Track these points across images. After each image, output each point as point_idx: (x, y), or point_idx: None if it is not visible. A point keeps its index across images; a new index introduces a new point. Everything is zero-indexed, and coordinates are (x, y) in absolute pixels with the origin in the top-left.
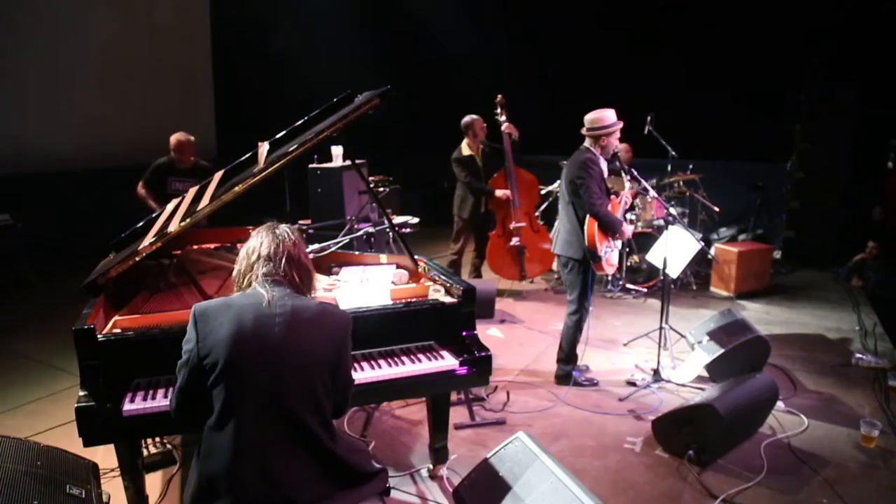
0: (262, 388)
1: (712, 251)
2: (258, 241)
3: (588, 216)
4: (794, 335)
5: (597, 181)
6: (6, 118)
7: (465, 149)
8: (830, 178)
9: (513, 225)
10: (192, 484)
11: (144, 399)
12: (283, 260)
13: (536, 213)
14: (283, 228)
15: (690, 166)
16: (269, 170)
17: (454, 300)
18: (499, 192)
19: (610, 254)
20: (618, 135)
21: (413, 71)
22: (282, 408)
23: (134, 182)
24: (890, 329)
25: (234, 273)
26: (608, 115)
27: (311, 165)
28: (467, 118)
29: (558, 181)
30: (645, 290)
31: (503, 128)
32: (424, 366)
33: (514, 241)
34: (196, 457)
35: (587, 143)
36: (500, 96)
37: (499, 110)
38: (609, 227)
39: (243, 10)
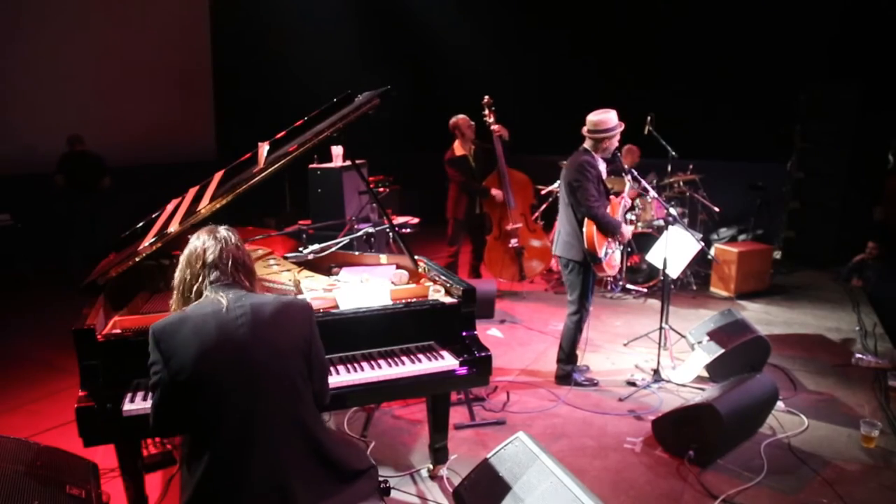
0: (241, 391)
1: (712, 251)
2: (201, 248)
3: (586, 218)
4: (794, 335)
5: (594, 184)
6: (7, 119)
7: (458, 149)
8: (830, 178)
9: (509, 226)
10: (188, 489)
11: (144, 399)
12: (230, 265)
13: (536, 214)
14: (224, 231)
15: (690, 166)
16: (269, 170)
17: (454, 300)
18: (494, 192)
19: (611, 255)
20: (619, 137)
21: (413, 71)
22: (265, 403)
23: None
24: (890, 329)
25: (177, 280)
26: (611, 118)
27: (311, 165)
28: (452, 119)
29: (558, 181)
30: (645, 290)
31: (493, 129)
32: (424, 366)
33: (513, 242)
34: (183, 466)
35: (587, 144)
36: (486, 97)
37: (486, 112)
38: (607, 229)
39: (243, 11)
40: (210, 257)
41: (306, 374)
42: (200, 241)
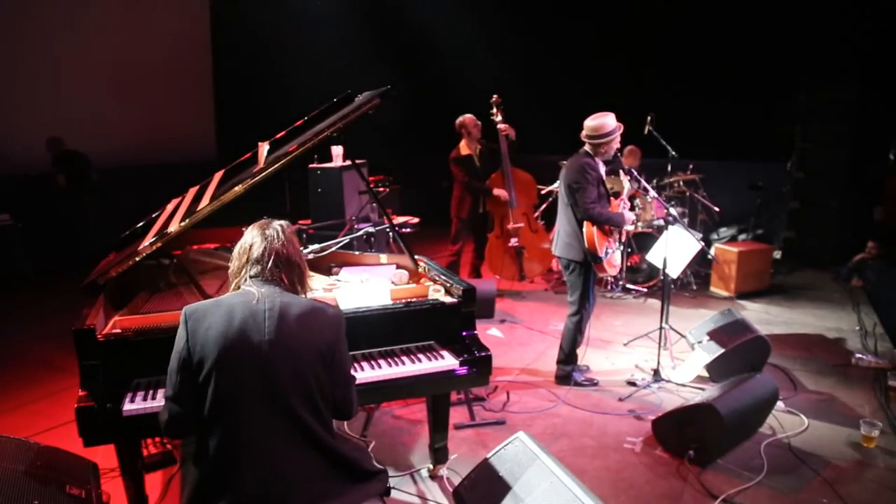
0: (254, 385)
1: (712, 251)
2: (249, 242)
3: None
4: (794, 335)
5: (594, 185)
6: (8, 119)
7: (463, 149)
8: (830, 178)
9: (511, 226)
10: (189, 487)
11: (144, 399)
12: (271, 262)
13: (536, 214)
14: (274, 228)
15: (690, 166)
16: (269, 170)
17: (454, 300)
18: (496, 192)
19: (612, 254)
20: (618, 139)
21: (413, 70)
22: (276, 403)
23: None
24: (890, 329)
25: (230, 271)
26: (608, 122)
27: (311, 165)
28: (459, 118)
29: (558, 181)
30: (645, 290)
31: (500, 128)
32: (424, 366)
33: (513, 241)
34: (187, 459)
35: (587, 147)
36: (495, 96)
37: (494, 110)
38: (610, 223)
39: (243, 11)
40: (254, 253)
41: (324, 380)
42: (250, 237)
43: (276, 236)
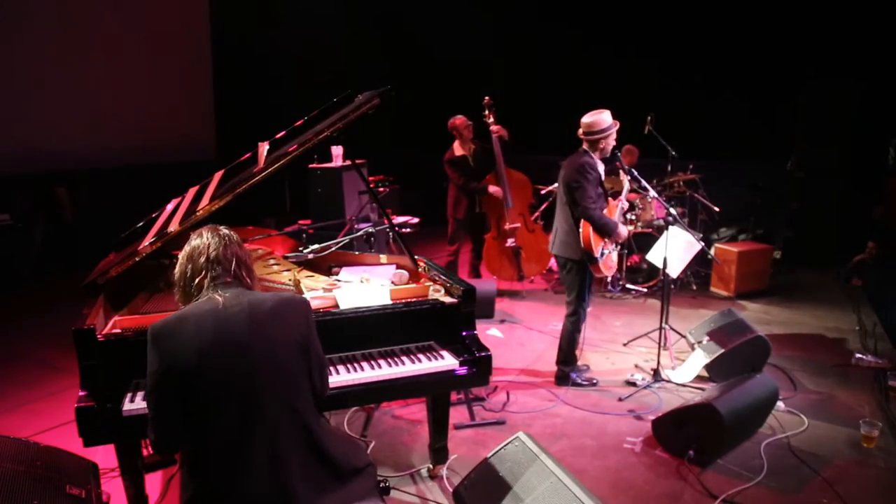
0: (240, 388)
1: (712, 251)
2: (204, 244)
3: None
4: (794, 335)
5: (593, 185)
6: (8, 119)
7: (457, 149)
8: (830, 178)
9: (507, 226)
10: (188, 493)
11: (144, 399)
12: (234, 262)
13: (536, 214)
14: (225, 230)
15: (690, 166)
16: (269, 170)
17: (454, 300)
18: (492, 189)
19: (608, 255)
20: (615, 135)
21: (413, 70)
22: (264, 402)
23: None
24: (890, 329)
25: (178, 275)
26: (605, 118)
27: (311, 165)
28: (451, 119)
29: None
30: (645, 290)
31: (492, 130)
32: (424, 366)
33: (510, 242)
34: (184, 465)
35: (585, 145)
36: (486, 98)
37: (486, 112)
38: (604, 231)
39: (243, 10)
40: (213, 253)
41: (305, 370)
42: (204, 238)
43: (230, 238)
